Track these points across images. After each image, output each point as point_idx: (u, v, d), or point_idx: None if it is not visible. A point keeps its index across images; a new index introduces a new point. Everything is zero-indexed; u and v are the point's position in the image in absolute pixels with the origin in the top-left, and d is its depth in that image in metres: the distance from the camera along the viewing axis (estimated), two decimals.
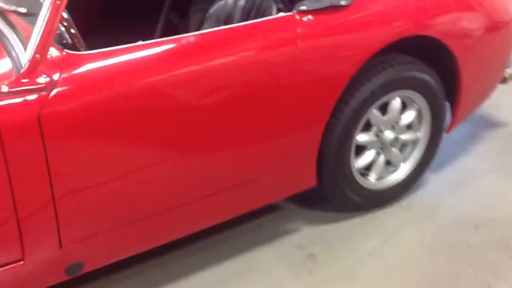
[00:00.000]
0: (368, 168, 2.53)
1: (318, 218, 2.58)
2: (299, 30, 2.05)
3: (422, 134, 2.59)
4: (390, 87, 2.36)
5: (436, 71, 2.51)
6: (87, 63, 1.77)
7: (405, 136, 2.55)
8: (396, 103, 2.43)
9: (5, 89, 1.63)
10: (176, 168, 2.01)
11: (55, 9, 1.68)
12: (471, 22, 2.53)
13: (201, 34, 1.99)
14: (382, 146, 2.50)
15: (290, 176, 2.31)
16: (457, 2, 2.49)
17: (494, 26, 2.63)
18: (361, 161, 2.48)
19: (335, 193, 2.47)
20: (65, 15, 1.82)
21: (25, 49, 1.70)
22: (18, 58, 1.71)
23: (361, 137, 2.42)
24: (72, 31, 1.84)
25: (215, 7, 2.53)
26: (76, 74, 1.74)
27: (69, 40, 1.84)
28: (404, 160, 2.62)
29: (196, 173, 2.06)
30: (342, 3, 2.10)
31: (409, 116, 2.52)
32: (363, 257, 2.37)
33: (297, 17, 2.07)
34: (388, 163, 2.58)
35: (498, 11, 2.66)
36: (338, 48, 2.15)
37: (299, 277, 2.27)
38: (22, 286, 1.90)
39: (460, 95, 2.59)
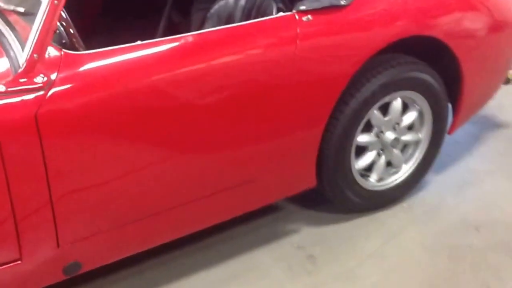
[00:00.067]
0: (369, 169, 2.52)
1: (318, 219, 2.57)
2: (298, 30, 2.04)
3: (423, 135, 2.57)
4: (391, 87, 2.34)
5: (438, 71, 2.49)
6: (86, 63, 1.76)
7: (406, 137, 2.53)
8: (397, 103, 2.42)
9: (2, 88, 1.63)
10: (174, 168, 2.00)
11: (53, 9, 1.68)
12: (473, 22, 2.52)
13: (200, 34, 1.98)
14: (383, 147, 2.49)
15: (289, 176, 2.31)
16: (459, 2, 2.47)
17: (497, 26, 2.62)
18: (362, 162, 2.47)
19: (335, 194, 2.46)
20: (63, 15, 1.82)
21: (23, 49, 1.70)
22: (16, 58, 1.71)
23: (362, 138, 2.40)
24: (71, 31, 1.84)
25: (216, 7, 2.53)
26: (74, 73, 1.73)
27: (68, 40, 1.84)
28: (406, 161, 2.60)
29: (194, 173, 2.06)
30: (342, 2, 2.09)
31: (410, 117, 2.50)
32: (363, 258, 2.36)
33: (297, 17, 2.06)
34: (389, 164, 2.57)
35: (501, 11, 2.64)
36: (338, 48, 2.14)
37: (299, 278, 2.26)
38: (20, 286, 1.90)
39: (462, 96, 2.58)
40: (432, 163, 2.69)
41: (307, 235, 2.47)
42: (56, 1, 1.68)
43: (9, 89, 1.64)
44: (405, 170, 2.60)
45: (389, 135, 2.46)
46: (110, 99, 1.79)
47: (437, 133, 2.59)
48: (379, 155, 2.51)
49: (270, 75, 2.05)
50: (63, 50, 1.75)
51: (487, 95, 2.84)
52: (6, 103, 1.64)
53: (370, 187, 2.52)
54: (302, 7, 2.06)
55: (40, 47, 1.67)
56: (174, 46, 1.91)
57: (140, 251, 2.14)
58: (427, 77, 2.42)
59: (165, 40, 1.91)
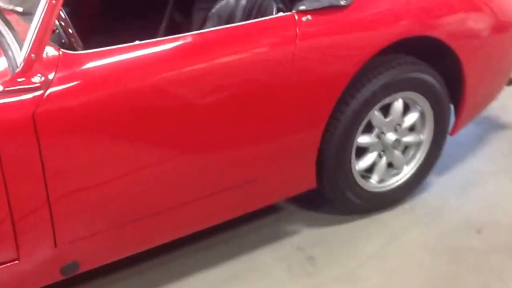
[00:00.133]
0: (370, 170, 2.51)
1: (319, 220, 2.56)
2: (297, 30, 2.03)
3: (425, 136, 2.56)
4: (392, 88, 2.33)
5: (440, 72, 2.48)
6: (84, 63, 1.77)
7: (407, 139, 2.52)
8: (398, 104, 2.41)
9: (0, 88, 1.63)
10: (173, 168, 2.00)
11: (50, 8, 1.68)
12: (476, 22, 2.50)
13: (198, 34, 1.98)
14: (384, 148, 2.48)
15: (289, 176, 2.30)
16: (462, 2, 2.46)
17: (500, 27, 2.60)
18: (363, 163, 2.45)
19: (335, 195, 2.45)
20: (62, 14, 1.82)
21: (21, 49, 1.70)
22: (14, 58, 1.71)
23: (362, 139, 2.39)
24: (70, 30, 1.84)
25: (217, 6, 2.53)
26: (72, 73, 1.73)
27: (67, 40, 1.84)
28: (407, 163, 2.59)
29: (193, 173, 2.05)
30: (342, 3, 2.08)
31: (411, 118, 2.49)
32: (364, 259, 2.35)
33: (296, 17, 2.05)
34: (390, 165, 2.55)
35: (505, 11, 2.62)
36: (338, 48, 2.13)
37: (299, 280, 2.25)
38: (17, 285, 1.89)
39: (465, 96, 2.56)
40: (434, 164, 2.67)
41: (307, 236, 2.46)
42: (54, 1, 1.67)
43: (7, 89, 1.64)
44: (407, 171, 2.59)
45: (390, 136, 2.45)
46: (109, 99, 1.79)
47: (439, 134, 2.57)
48: (380, 156, 2.49)
49: (270, 75, 2.04)
50: (61, 49, 1.75)
51: (490, 96, 2.82)
52: (4, 103, 1.64)
53: (371, 188, 2.51)
54: (302, 7, 2.05)
55: (37, 47, 1.67)
56: (173, 46, 1.91)
57: (139, 251, 2.14)
58: (428, 77, 2.41)
59: (163, 40, 1.91)
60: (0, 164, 1.66)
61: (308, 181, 2.36)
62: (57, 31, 1.83)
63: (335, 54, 2.13)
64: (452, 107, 2.64)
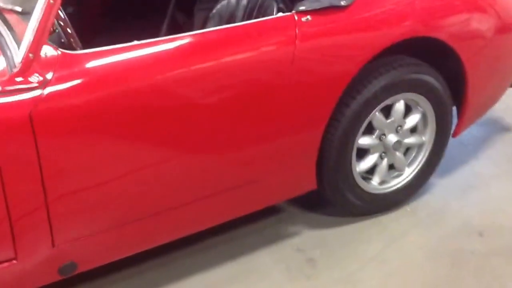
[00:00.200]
0: (371, 171, 2.49)
1: (320, 222, 2.54)
2: (297, 30, 2.02)
3: (427, 138, 2.54)
4: (393, 89, 2.32)
5: (443, 73, 2.46)
6: (83, 62, 1.76)
7: (409, 140, 2.51)
8: (399, 106, 2.39)
9: None
10: (171, 168, 1.99)
11: (48, 8, 1.68)
12: (480, 23, 2.49)
13: (197, 34, 1.97)
14: (385, 150, 2.46)
15: (290, 177, 2.29)
16: (466, 3, 2.44)
17: (504, 28, 2.58)
18: (363, 165, 2.44)
19: (335, 196, 2.44)
20: (61, 14, 1.82)
21: (19, 48, 1.70)
22: (12, 57, 1.71)
23: (363, 140, 2.38)
24: (68, 30, 1.85)
25: (218, 6, 2.52)
26: (71, 73, 1.73)
27: (66, 40, 1.84)
28: (409, 165, 2.57)
29: (193, 173, 2.05)
30: (342, 3, 2.08)
31: (413, 119, 2.47)
32: (364, 262, 2.34)
33: (296, 17, 2.04)
34: (391, 167, 2.54)
35: (509, 13, 2.60)
36: (338, 48, 2.12)
37: (298, 282, 2.24)
38: (15, 285, 1.89)
39: (467, 98, 2.54)
40: (436, 166, 2.65)
41: (307, 238, 2.45)
42: (52, 1, 1.67)
43: (5, 88, 1.64)
44: (408, 173, 2.57)
45: (392, 138, 2.43)
46: (108, 99, 1.78)
47: (441, 136, 2.56)
48: (381, 157, 2.48)
49: (270, 75, 2.03)
50: (60, 49, 1.75)
51: (493, 97, 2.80)
52: (1, 103, 1.64)
53: (372, 190, 2.49)
54: (302, 8, 2.05)
55: (35, 47, 1.68)
56: (172, 46, 1.91)
57: (138, 251, 2.13)
58: (430, 79, 2.39)
59: (162, 40, 1.91)
60: None
61: (308, 182, 2.35)
62: (57, 30, 1.83)
63: (335, 55, 2.12)
64: (455, 108, 2.63)
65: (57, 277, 1.95)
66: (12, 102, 1.65)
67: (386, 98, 2.32)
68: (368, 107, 2.27)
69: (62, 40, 1.84)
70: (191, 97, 1.92)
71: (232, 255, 2.35)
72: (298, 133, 2.18)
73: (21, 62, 1.66)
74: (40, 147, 1.70)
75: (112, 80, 1.79)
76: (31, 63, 1.67)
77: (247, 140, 2.11)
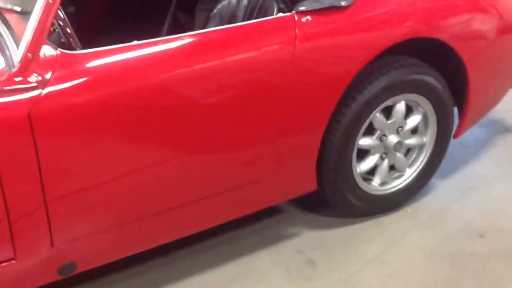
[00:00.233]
0: (371, 172, 2.48)
1: (320, 223, 2.54)
2: (297, 30, 2.02)
3: (428, 139, 2.53)
4: (394, 90, 2.31)
5: (445, 74, 2.45)
6: (82, 62, 1.76)
7: (410, 141, 2.50)
8: (400, 106, 2.39)
9: None
10: (171, 168, 1.99)
11: (47, 8, 1.68)
12: (482, 24, 2.48)
13: (197, 34, 1.97)
14: (386, 151, 2.45)
15: (290, 178, 2.28)
16: (468, 3, 2.43)
17: (506, 29, 2.57)
18: (364, 166, 2.43)
19: (336, 197, 2.43)
20: (61, 14, 1.82)
21: (18, 48, 1.70)
22: (11, 57, 1.71)
23: (364, 141, 2.37)
24: (68, 30, 1.84)
25: (219, 6, 2.52)
26: (69, 73, 1.73)
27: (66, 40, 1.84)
28: (410, 166, 2.57)
29: (193, 173, 2.04)
30: (342, 4, 2.07)
31: (414, 120, 2.47)
32: (364, 263, 2.33)
33: (296, 17, 2.04)
34: (392, 168, 2.53)
35: (511, 13, 2.58)
36: (338, 49, 2.11)
37: (297, 283, 2.24)
38: (15, 285, 1.89)
39: (468, 99, 2.53)
40: (437, 167, 2.64)
41: (307, 239, 2.45)
42: (51, 1, 1.67)
43: (3, 88, 1.64)
44: (409, 174, 2.56)
45: (392, 139, 2.42)
46: (107, 99, 1.78)
47: (442, 137, 2.55)
48: (382, 158, 2.47)
49: (270, 75, 2.03)
50: (59, 49, 1.75)
51: (494, 98, 2.79)
52: (0, 102, 1.64)
53: (372, 191, 2.48)
54: (302, 8, 2.04)
55: (34, 47, 1.67)
56: (172, 46, 1.91)
57: (138, 252, 2.13)
58: (431, 79, 2.38)
59: (162, 40, 1.90)
60: None
61: (308, 183, 2.34)
62: (57, 30, 1.83)
63: (335, 55, 2.12)
64: (456, 109, 2.62)
65: (56, 277, 1.95)
66: (11, 101, 1.65)
67: (387, 98, 2.31)
68: (369, 107, 2.27)
69: (62, 40, 1.84)
70: (191, 97, 1.92)
71: (231, 256, 2.35)
72: (299, 133, 2.17)
73: (20, 61, 1.66)
74: (39, 147, 1.70)
75: (111, 80, 1.79)
76: (30, 63, 1.67)
77: (247, 140, 2.10)
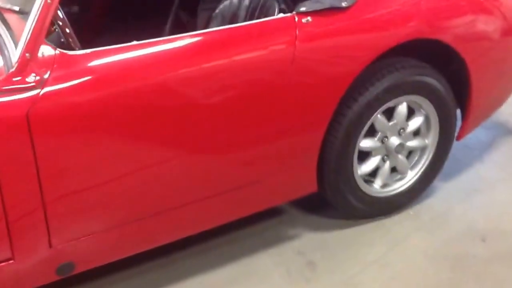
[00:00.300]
0: (373, 174, 2.47)
1: (321, 225, 2.52)
2: (297, 31, 2.01)
3: (430, 141, 2.51)
4: (396, 91, 2.29)
5: (448, 75, 2.43)
6: (80, 62, 1.76)
7: (412, 143, 2.48)
8: (402, 108, 2.37)
9: None
10: (171, 168, 1.98)
11: (45, 8, 1.68)
12: (485, 25, 2.46)
13: (197, 34, 1.96)
14: (388, 153, 2.44)
15: (290, 179, 2.27)
16: (471, 4, 2.41)
17: (511, 30, 2.55)
18: (365, 167, 2.41)
19: (337, 199, 2.42)
20: (60, 14, 1.82)
21: (16, 48, 1.70)
22: (10, 57, 1.70)
23: (365, 143, 2.36)
24: (67, 30, 1.84)
25: (221, 6, 2.52)
26: (68, 73, 1.73)
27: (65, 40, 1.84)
28: (412, 168, 2.55)
29: (193, 173, 2.04)
30: (343, 4, 2.06)
31: (416, 122, 2.45)
32: (366, 265, 2.32)
33: (296, 18, 2.03)
34: (394, 170, 2.51)
35: None
36: (338, 50, 2.10)
37: (298, 285, 2.23)
38: (13, 285, 1.89)
39: (471, 101, 2.51)
40: (440, 169, 2.63)
41: (308, 241, 2.44)
42: (49, 0, 1.67)
43: (2, 88, 1.64)
44: (411, 176, 2.55)
45: (394, 141, 2.41)
46: (106, 99, 1.78)
47: (445, 139, 2.53)
48: (383, 160, 2.45)
49: (270, 75, 2.02)
50: (58, 49, 1.74)
51: (498, 100, 2.76)
52: None
53: (374, 193, 2.47)
54: (302, 9, 2.04)
55: (32, 46, 1.67)
56: (172, 46, 1.90)
57: (137, 252, 2.13)
58: (433, 81, 2.37)
59: (162, 40, 1.90)
60: None
61: (309, 184, 2.33)
62: (56, 30, 1.83)
63: (336, 56, 2.11)
64: (459, 111, 2.60)
65: (55, 277, 1.95)
66: (9, 101, 1.65)
67: (389, 100, 2.29)
68: (370, 109, 2.25)
69: (62, 40, 1.84)
70: (191, 97, 1.91)
71: (232, 257, 2.34)
72: (299, 134, 2.16)
73: (18, 61, 1.66)
74: (37, 147, 1.70)
75: (110, 80, 1.78)
76: (28, 63, 1.67)
77: (248, 140, 2.09)
